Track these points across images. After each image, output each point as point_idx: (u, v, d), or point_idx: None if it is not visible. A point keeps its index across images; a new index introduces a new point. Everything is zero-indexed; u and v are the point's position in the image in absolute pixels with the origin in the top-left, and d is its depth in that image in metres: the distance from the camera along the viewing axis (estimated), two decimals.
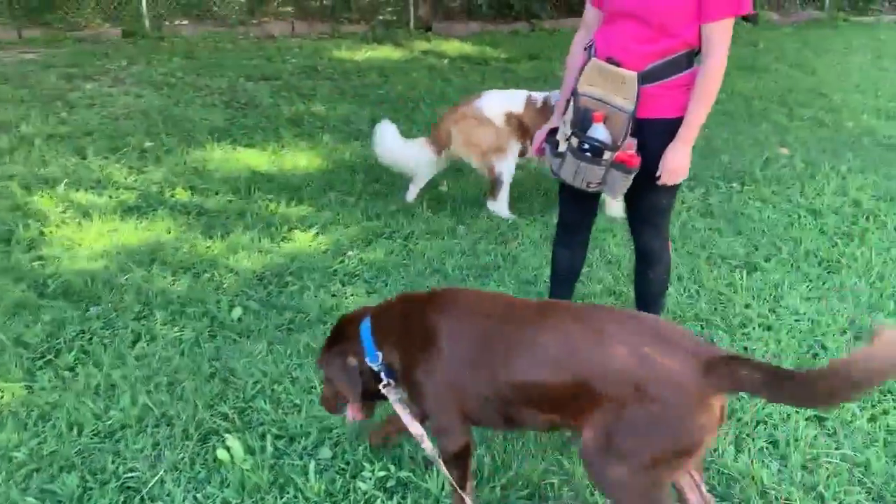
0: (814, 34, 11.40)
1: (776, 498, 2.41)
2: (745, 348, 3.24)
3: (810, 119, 6.76)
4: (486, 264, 3.94)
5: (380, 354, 2.26)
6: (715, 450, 2.62)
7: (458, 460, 2.23)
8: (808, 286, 3.76)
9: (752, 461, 2.56)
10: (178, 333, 3.25)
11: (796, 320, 3.46)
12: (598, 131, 2.68)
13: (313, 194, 4.78)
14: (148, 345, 3.17)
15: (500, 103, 4.64)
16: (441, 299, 2.26)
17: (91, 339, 3.19)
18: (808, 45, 10.36)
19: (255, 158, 5.32)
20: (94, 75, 7.57)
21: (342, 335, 2.35)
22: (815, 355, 3.21)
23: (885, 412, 2.84)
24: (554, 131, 2.92)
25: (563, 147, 2.79)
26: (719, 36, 2.57)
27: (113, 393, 2.86)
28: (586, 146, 2.68)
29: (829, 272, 3.93)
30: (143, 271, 3.73)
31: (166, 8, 10.33)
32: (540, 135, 3.05)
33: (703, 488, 2.22)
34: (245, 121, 6.21)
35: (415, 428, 2.25)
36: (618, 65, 2.63)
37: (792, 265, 3.99)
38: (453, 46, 9.87)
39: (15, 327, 3.21)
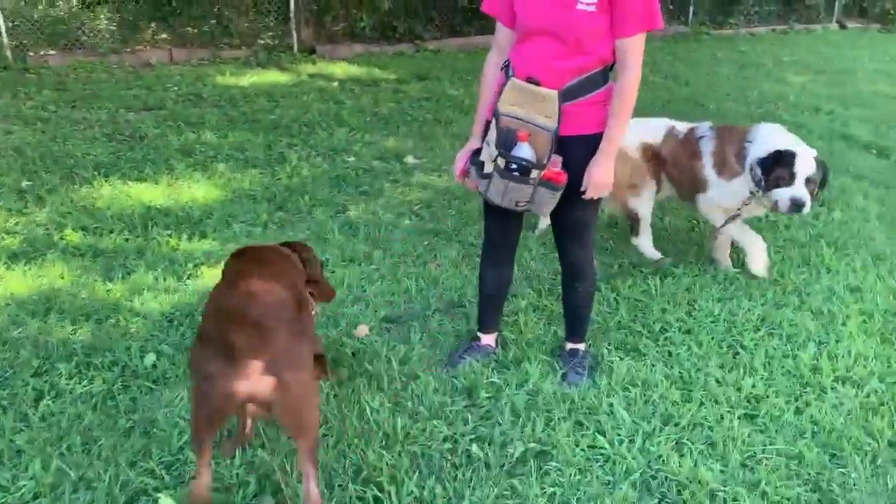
0: (682, 47, 12.06)
1: (724, 500, 2.47)
2: (670, 353, 3.33)
3: None
4: (407, 288, 3.88)
5: None
6: (659, 457, 2.66)
7: None
8: (717, 288, 3.92)
9: (695, 465, 2.61)
10: (86, 387, 2.99)
11: (712, 322, 3.59)
12: (524, 150, 2.68)
13: (216, 226, 4.56)
14: (53, 402, 2.89)
15: (634, 133, 4.05)
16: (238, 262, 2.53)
17: None
18: (678, 58, 10.94)
19: (148, 193, 5.03)
20: None
21: None
22: (736, 354, 3.33)
23: (808, 404, 2.98)
24: (477, 152, 2.90)
25: (489, 168, 2.77)
26: (633, 51, 2.64)
27: (20, 460, 2.58)
28: (514, 166, 2.67)
29: (734, 273, 4.11)
30: (39, 322, 3.42)
31: (30, 38, 9.68)
32: (461, 157, 3.02)
33: (312, 484, 2.27)
34: (132, 154, 5.87)
35: None
36: (537, 84, 2.65)
37: (700, 269, 4.14)
38: (341, 69, 9.77)
39: None
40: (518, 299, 3.74)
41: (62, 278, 3.85)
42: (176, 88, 8.39)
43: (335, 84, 8.89)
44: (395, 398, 2.98)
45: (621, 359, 3.25)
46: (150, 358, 3.18)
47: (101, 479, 2.48)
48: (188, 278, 3.91)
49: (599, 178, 2.74)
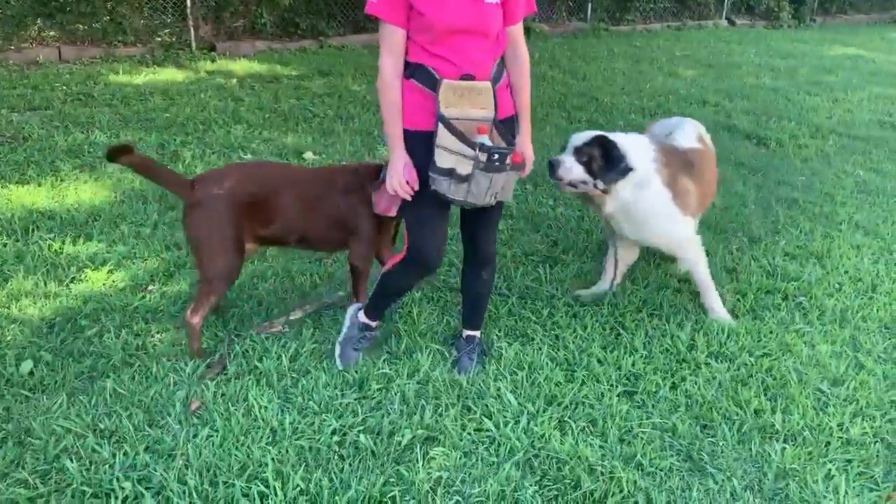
0: (581, 43, 12.38)
1: (602, 473, 2.57)
2: (557, 336, 3.44)
3: (587, 121, 7.33)
4: (300, 284, 3.86)
5: None
6: (542, 436, 2.75)
7: None
8: (603, 273, 4.06)
9: (576, 442, 2.71)
10: None
11: (597, 305, 3.72)
12: (488, 140, 2.66)
13: (102, 229, 4.41)
14: None
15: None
16: None
17: None
18: (577, 54, 11.22)
19: (30, 196, 4.82)
20: None
21: None
22: (618, 335, 3.47)
23: (683, 379, 3.14)
24: (431, 164, 2.67)
25: (466, 170, 2.62)
26: (521, 33, 2.83)
27: None
28: (496, 156, 2.62)
29: None
30: None
31: None
32: (407, 173, 2.71)
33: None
34: (14, 156, 5.60)
35: None
36: (472, 79, 2.67)
37: (587, 256, 4.28)
38: (242, 66, 9.59)
39: None
40: (412, 291, 3.78)
41: None
42: (64, 87, 8.05)
43: (234, 81, 8.72)
44: (284, 394, 2.97)
45: (510, 344, 3.33)
46: (27, 365, 3.06)
47: None
48: (71, 282, 3.78)
49: (531, 153, 2.90)
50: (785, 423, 2.86)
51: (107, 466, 2.53)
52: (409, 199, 2.75)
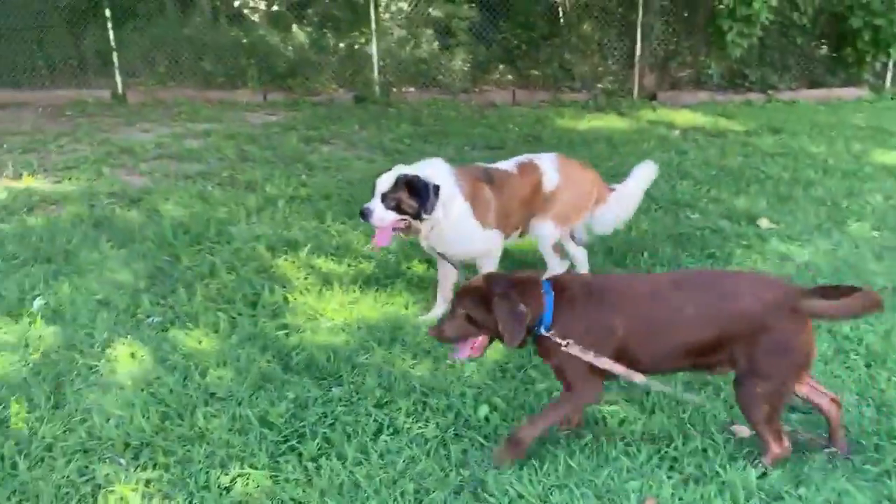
0: None
1: None
2: None
3: None
4: None
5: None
6: None
7: None
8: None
9: None
10: (421, 428, 2.96)
11: None
12: None
13: None
14: (391, 438, 2.90)
15: None
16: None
17: (333, 424, 2.98)
18: None
19: None
20: (329, 139, 7.87)
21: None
22: None
23: None
24: None
25: None
26: None
27: (356, 494, 2.59)
28: None
29: None
30: (384, 351, 3.52)
31: (395, 76, 10.73)
32: None
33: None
34: None
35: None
36: None
37: None
38: (683, 117, 9.33)
39: (261, 403, 3.08)
40: None
41: (406, 308, 3.97)
42: (516, 129, 8.65)
43: (676, 133, 8.48)
44: None
45: None
46: (483, 410, 3.08)
47: None
48: None
49: None
50: None
51: None
52: None
